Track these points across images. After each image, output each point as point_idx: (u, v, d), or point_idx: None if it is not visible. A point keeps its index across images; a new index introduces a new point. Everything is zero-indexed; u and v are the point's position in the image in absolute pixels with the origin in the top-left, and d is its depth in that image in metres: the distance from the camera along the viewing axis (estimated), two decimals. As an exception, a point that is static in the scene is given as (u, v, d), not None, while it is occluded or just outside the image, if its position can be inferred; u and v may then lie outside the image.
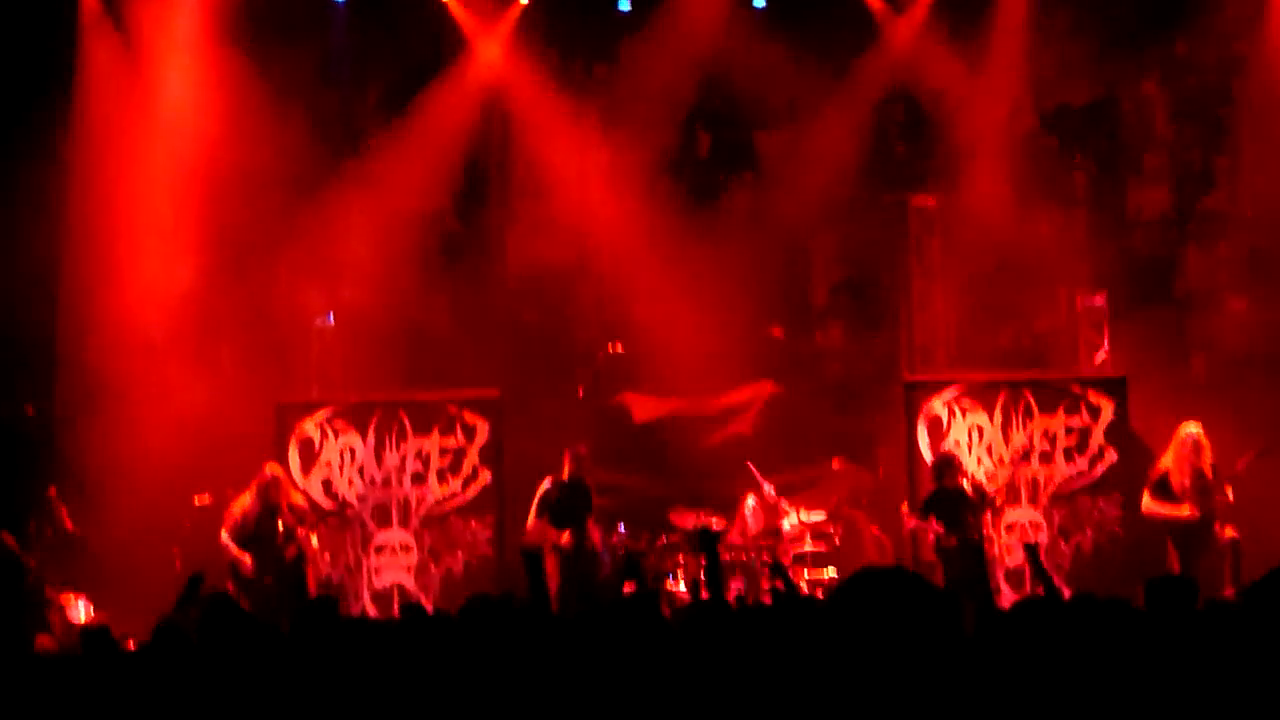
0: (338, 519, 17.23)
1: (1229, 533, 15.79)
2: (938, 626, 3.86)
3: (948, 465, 16.48)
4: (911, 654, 3.83)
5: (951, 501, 16.08)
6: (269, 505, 15.77)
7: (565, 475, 16.55)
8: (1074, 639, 6.59)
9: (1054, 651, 6.38)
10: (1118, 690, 6.28)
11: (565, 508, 16.44)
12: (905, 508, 16.59)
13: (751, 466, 17.50)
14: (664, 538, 17.12)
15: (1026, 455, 17.81)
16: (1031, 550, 12.24)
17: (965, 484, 16.26)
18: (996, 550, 17.17)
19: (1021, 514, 17.72)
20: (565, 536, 16.31)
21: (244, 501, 15.86)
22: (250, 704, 7.31)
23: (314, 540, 16.15)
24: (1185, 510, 15.75)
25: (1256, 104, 18.98)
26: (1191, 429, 15.97)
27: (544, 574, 11.10)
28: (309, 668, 7.50)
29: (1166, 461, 16.02)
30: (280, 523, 15.75)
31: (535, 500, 16.49)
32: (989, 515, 16.50)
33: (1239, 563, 15.49)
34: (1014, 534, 17.60)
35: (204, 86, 18.57)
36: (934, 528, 15.96)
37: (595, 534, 16.60)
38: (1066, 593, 11.72)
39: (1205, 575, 14.92)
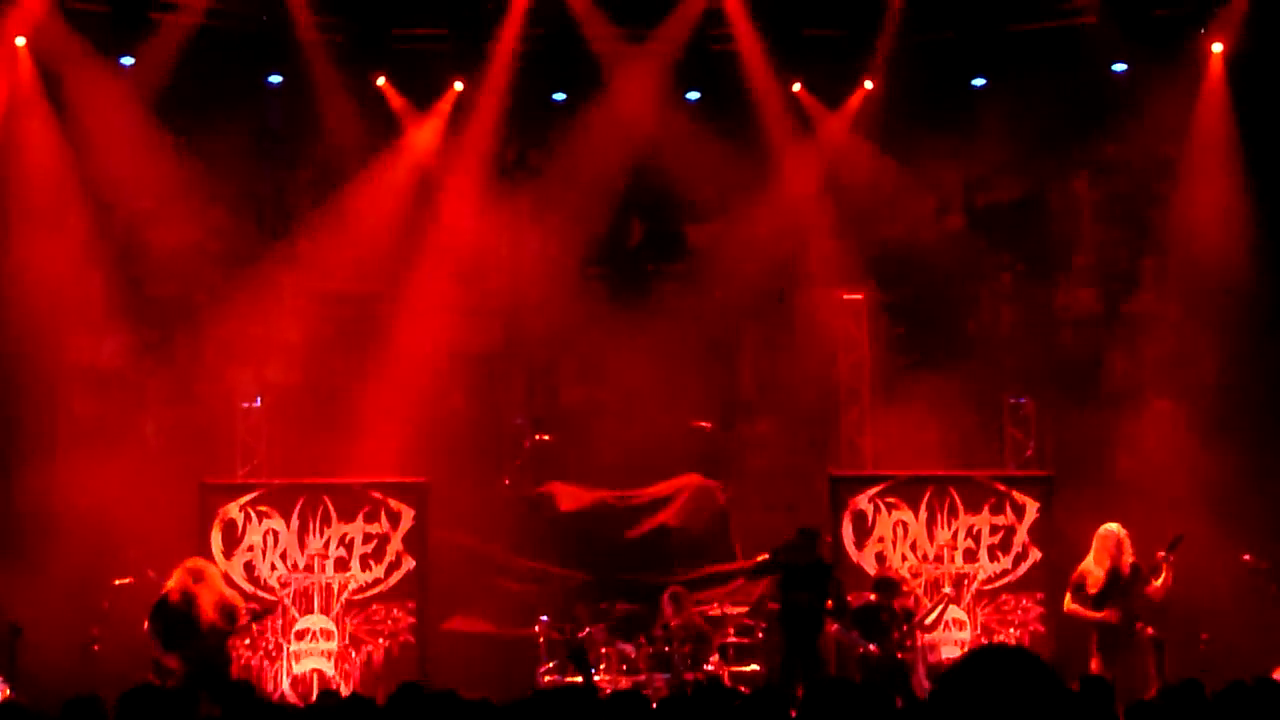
0: (260, 621, 16.56)
1: (1150, 631, 15.81)
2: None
3: (888, 587, 16.41)
4: None
5: (880, 617, 16.03)
6: (188, 597, 15.47)
7: None
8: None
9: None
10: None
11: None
12: (833, 628, 16.37)
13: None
14: (587, 628, 17.03)
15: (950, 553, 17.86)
16: None
17: (897, 606, 16.22)
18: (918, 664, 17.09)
19: (947, 611, 17.69)
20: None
21: (166, 588, 15.60)
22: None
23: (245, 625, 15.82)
24: (1104, 614, 15.72)
25: (1183, 207, 19.17)
26: (1112, 527, 15.96)
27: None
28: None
29: (1087, 563, 15.99)
30: (200, 615, 15.42)
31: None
32: (915, 635, 16.46)
33: (1163, 660, 15.50)
34: (938, 631, 17.60)
35: (136, 163, 18.50)
36: (858, 640, 15.88)
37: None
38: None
39: (1130, 674, 14.96)
